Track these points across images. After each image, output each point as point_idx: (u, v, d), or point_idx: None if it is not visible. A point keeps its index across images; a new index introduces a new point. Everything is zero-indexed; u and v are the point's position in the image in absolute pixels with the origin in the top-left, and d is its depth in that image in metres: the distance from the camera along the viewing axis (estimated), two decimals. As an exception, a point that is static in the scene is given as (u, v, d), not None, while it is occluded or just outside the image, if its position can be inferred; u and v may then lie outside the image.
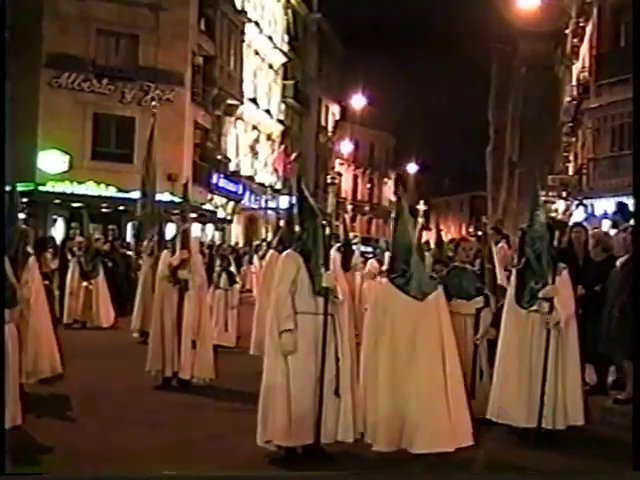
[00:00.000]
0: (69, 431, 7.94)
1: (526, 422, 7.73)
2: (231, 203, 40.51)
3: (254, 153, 44.88)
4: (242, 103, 41.07)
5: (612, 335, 9.34)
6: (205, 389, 10.19)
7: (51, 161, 31.11)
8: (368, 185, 70.62)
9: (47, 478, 6.62)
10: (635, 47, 8.12)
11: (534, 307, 7.84)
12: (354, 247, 16.54)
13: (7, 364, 6.53)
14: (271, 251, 12.15)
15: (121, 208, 31.55)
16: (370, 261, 16.92)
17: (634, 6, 7.29)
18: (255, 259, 25.89)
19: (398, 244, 7.19)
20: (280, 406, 6.69)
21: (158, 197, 16.90)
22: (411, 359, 6.88)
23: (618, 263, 9.76)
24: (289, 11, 51.25)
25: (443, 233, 13.71)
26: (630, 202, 17.50)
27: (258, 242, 32.68)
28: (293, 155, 50.13)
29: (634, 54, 9.24)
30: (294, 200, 8.07)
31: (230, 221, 40.29)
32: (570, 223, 17.45)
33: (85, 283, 17.10)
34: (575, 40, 36.68)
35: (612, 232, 11.19)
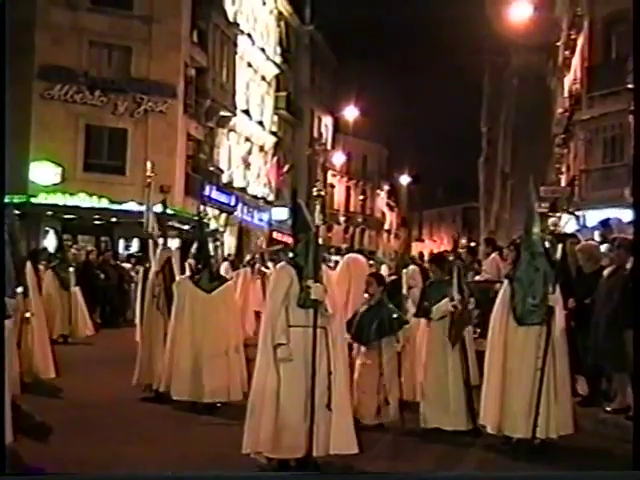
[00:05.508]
0: (59, 443, 7.86)
1: (524, 433, 7.74)
2: (224, 215, 40.45)
3: (247, 165, 44.84)
4: (235, 115, 41.07)
5: (601, 346, 9.29)
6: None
7: (43, 173, 31.02)
8: (361, 196, 70.59)
9: (47, 478, 6.60)
10: (635, 54, 8.09)
11: (536, 321, 7.86)
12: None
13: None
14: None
15: (113, 220, 31.57)
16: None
17: (634, 10, 7.27)
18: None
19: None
20: (268, 416, 6.68)
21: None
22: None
23: (605, 273, 9.68)
24: (282, 23, 51.32)
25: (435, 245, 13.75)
26: (621, 213, 17.50)
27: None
28: (286, 167, 50.14)
29: (635, 60, 9.19)
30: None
31: (215, 231, 40.12)
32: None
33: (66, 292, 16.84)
34: (567, 52, 36.77)
35: (602, 245, 11.17)
